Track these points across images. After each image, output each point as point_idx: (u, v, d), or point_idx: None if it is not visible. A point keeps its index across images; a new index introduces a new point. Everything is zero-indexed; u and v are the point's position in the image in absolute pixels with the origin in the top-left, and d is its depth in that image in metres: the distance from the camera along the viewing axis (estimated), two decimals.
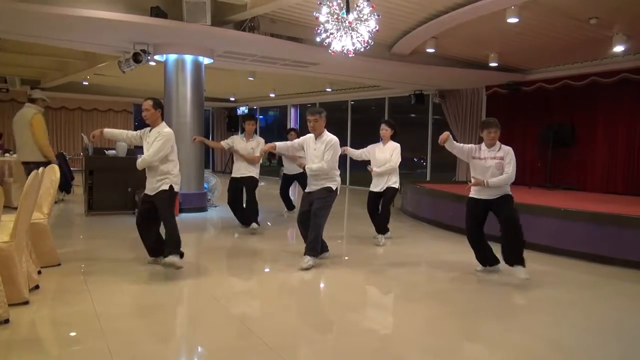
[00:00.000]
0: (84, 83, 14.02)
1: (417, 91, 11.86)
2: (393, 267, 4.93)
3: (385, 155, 6.16)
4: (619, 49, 7.09)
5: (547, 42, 7.64)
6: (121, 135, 4.88)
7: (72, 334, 3.16)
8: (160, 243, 4.77)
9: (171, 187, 4.51)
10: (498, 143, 4.62)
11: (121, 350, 2.88)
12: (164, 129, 4.55)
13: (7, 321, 3.16)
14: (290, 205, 8.59)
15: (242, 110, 18.22)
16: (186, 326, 3.48)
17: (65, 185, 9.10)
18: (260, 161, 6.75)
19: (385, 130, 6.22)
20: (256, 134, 6.88)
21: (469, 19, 6.32)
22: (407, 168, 12.22)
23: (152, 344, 3.10)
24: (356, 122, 14.32)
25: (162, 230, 4.76)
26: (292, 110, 16.52)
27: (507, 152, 4.56)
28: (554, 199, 7.44)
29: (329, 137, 4.96)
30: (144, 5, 6.50)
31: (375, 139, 6.37)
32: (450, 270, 5.04)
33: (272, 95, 15.49)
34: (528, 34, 7.15)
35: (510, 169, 4.50)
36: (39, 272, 4.22)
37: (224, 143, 6.88)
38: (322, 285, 4.62)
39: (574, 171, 9.43)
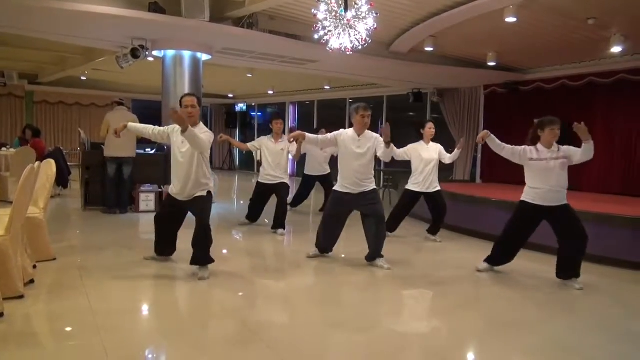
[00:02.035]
0: (82, 78, 13.97)
1: (416, 90, 11.85)
2: (396, 266, 4.91)
3: (432, 155, 6.06)
4: (616, 49, 7.10)
5: (545, 42, 7.65)
6: (146, 130, 4.57)
7: (67, 329, 3.17)
8: (172, 245, 4.75)
9: (209, 192, 4.41)
10: (555, 143, 4.48)
11: (116, 347, 2.88)
12: (204, 129, 4.31)
13: (1, 315, 3.17)
14: (297, 204, 8.32)
15: (241, 107, 18.18)
16: (183, 323, 3.47)
17: (62, 180, 9.10)
18: (298, 158, 6.43)
19: (433, 130, 6.12)
20: (284, 133, 6.52)
21: (467, 17, 6.32)
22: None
23: (147, 341, 3.11)
24: None
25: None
26: (291, 108, 16.52)
27: (569, 149, 4.47)
28: None
29: (374, 134, 4.88)
30: (143, 1, 6.49)
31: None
32: (454, 269, 5.07)
33: (270, 92, 15.46)
34: (526, 33, 7.15)
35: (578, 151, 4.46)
36: (35, 267, 4.22)
37: (251, 145, 6.63)
38: (324, 285, 4.59)
39: (571, 171, 9.38)
